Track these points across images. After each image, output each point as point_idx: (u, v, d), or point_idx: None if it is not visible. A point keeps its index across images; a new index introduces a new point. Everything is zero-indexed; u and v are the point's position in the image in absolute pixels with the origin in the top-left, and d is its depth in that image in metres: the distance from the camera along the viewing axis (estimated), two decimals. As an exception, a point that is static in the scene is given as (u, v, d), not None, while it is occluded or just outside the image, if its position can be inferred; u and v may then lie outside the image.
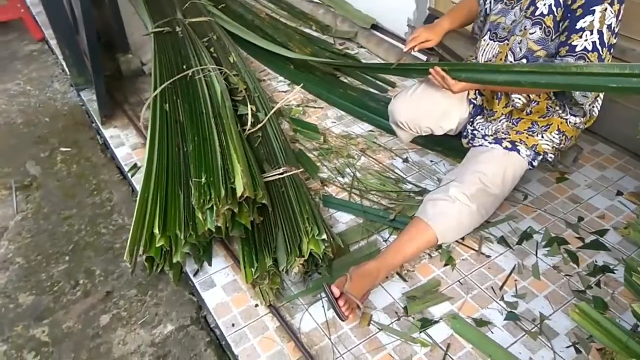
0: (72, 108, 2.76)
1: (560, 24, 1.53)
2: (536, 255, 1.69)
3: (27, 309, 1.69)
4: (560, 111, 1.69)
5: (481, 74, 1.60)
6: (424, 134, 1.99)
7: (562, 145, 1.73)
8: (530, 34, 1.60)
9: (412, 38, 1.85)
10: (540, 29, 1.58)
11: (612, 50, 1.52)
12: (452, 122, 1.92)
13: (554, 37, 1.56)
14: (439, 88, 1.90)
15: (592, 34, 1.46)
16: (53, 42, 3.17)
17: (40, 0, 2.46)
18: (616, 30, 1.49)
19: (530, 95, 1.68)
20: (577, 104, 1.59)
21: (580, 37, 1.47)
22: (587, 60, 1.47)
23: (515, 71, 1.50)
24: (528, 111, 1.71)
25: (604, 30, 1.45)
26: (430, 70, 1.67)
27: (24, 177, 2.28)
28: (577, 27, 1.47)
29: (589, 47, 1.46)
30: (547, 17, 1.56)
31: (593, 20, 1.45)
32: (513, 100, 1.70)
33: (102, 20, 2.88)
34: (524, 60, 1.63)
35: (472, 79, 1.61)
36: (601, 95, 1.69)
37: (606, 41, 1.47)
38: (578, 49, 1.48)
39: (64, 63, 2.85)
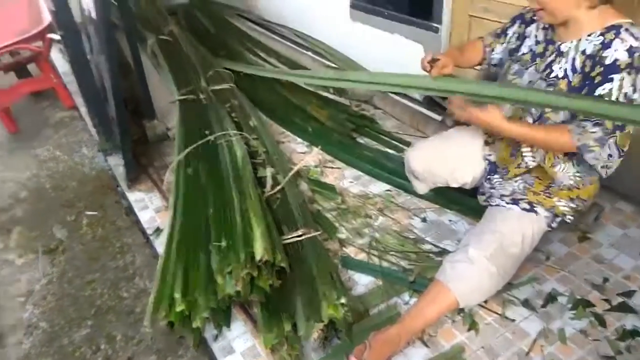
0: (99, 172, 2.86)
1: (581, 92, 1.52)
2: (562, 319, 1.65)
3: (48, 376, 1.70)
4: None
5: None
6: (439, 185, 2.01)
7: (580, 208, 1.72)
8: None
9: (434, 61, 1.74)
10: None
11: None
12: (467, 175, 1.94)
13: None
14: (455, 140, 1.93)
15: None
16: (83, 110, 3.32)
17: (72, 70, 2.61)
18: (636, 99, 1.44)
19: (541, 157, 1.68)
20: (590, 165, 1.58)
21: None
22: (603, 126, 1.46)
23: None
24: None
25: (621, 98, 1.44)
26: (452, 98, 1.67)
27: (50, 240, 2.35)
28: (596, 94, 1.46)
29: None
30: (561, 80, 1.57)
31: (612, 88, 1.43)
32: (526, 162, 1.71)
33: (130, 88, 3.03)
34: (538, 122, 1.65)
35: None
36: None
37: None
38: None
39: (92, 129, 2.99)
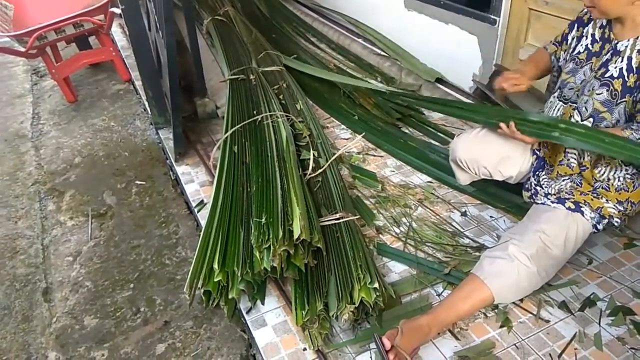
0: (149, 144, 2.97)
1: (635, 92, 1.50)
2: (599, 324, 1.60)
3: (90, 331, 1.80)
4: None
5: (547, 131, 1.59)
6: (482, 177, 1.98)
7: (628, 211, 1.66)
8: (597, 94, 1.58)
9: (508, 77, 1.79)
10: (607, 90, 1.56)
11: None
12: (513, 169, 1.90)
13: (619, 100, 1.53)
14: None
15: None
16: (138, 84, 3.44)
17: (131, 45, 2.70)
18: None
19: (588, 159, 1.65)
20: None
21: None
22: None
23: (583, 134, 1.48)
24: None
25: None
26: (501, 124, 1.67)
27: (100, 205, 2.47)
28: None
29: None
30: (616, 80, 1.53)
31: None
32: (568, 160, 1.67)
33: (184, 66, 3.12)
34: (591, 120, 1.61)
35: (539, 135, 1.60)
36: None
37: None
38: None
39: (146, 103, 3.09)
